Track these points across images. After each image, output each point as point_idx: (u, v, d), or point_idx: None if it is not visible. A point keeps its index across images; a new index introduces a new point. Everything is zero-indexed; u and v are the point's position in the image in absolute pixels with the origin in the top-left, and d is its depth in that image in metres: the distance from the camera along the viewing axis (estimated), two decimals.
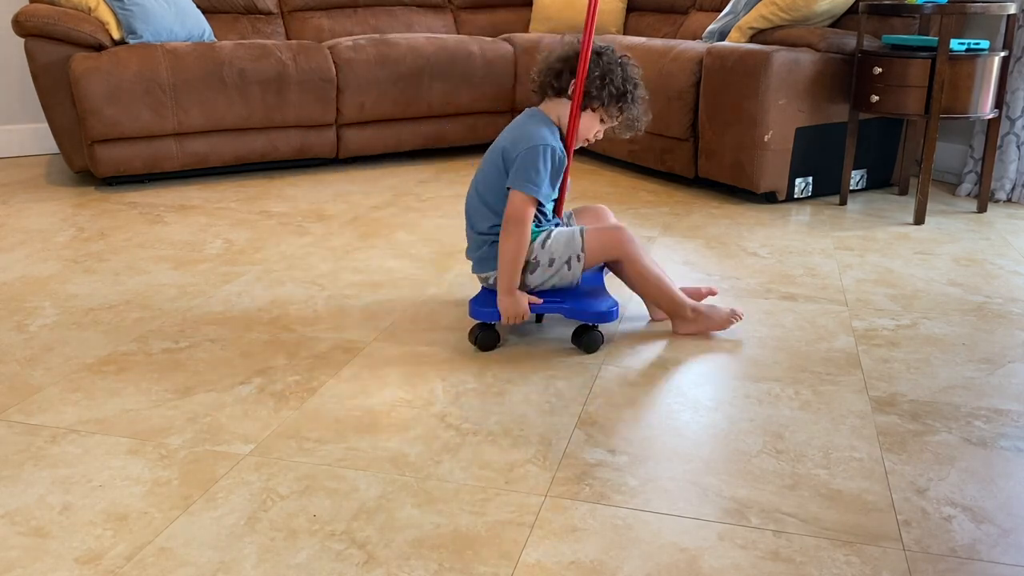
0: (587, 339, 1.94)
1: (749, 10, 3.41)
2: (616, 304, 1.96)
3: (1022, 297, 2.30)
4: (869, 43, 3.10)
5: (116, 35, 3.40)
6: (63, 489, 1.40)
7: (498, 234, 1.94)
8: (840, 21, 3.36)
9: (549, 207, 2.02)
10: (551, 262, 1.95)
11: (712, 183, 3.43)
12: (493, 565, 1.22)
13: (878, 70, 2.94)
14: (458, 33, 4.45)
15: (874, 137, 3.32)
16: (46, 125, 3.96)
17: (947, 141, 3.59)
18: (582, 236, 1.96)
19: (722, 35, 3.55)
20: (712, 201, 3.26)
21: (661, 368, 1.86)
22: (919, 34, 3.27)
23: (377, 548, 1.26)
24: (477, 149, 4.17)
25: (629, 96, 1.96)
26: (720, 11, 3.83)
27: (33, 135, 4.16)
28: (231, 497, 1.38)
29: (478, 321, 1.96)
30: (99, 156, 3.30)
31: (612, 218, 2.15)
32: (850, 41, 3.11)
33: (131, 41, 3.40)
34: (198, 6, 3.79)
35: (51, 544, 1.26)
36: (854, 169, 3.30)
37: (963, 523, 1.33)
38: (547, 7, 4.38)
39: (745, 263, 2.54)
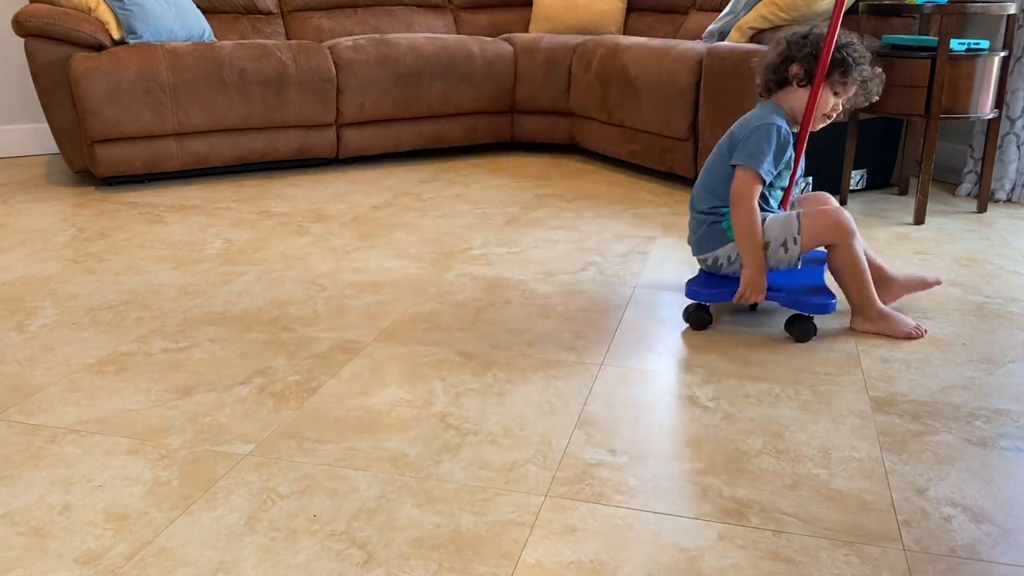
0: (799, 328, 2.00)
1: (749, 10, 3.41)
2: (833, 297, 2.00)
3: (1022, 297, 2.30)
4: (869, 43, 3.10)
5: (116, 35, 3.40)
6: (63, 489, 1.40)
7: (715, 214, 2.08)
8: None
9: (775, 197, 2.10)
10: (766, 245, 2.02)
11: None
12: (493, 565, 1.22)
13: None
14: (458, 33, 4.45)
15: (874, 137, 3.32)
16: (46, 125, 3.96)
17: (947, 141, 3.59)
18: (798, 219, 2.02)
19: (722, 35, 3.55)
20: None
21: (661, 368, 1.86)
22: (919, 34, 3.27)
23: (377, 548, 1.26)
24: (477, 149, 4.18)
25: (849, 60, 2.01)
26: (720, 11, 3.82)
27: (33, 135, 4.16)
28: (231, 497, 1.38)
29: (693, 302, 2.07)
30: (99, 156, 3.30)
31: (833, 202, 2.16)
32: None
33: (131, 41, 3.40)
34: (198, 6, 3.79)
35: (51, 544, 1.26)
36: (854, 169, 3.30)
37: (963, 523, 1.33)
38: (547, 7, 4.38)
39: None
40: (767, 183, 2.03)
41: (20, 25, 3.24)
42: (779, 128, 2.00)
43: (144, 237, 2.78)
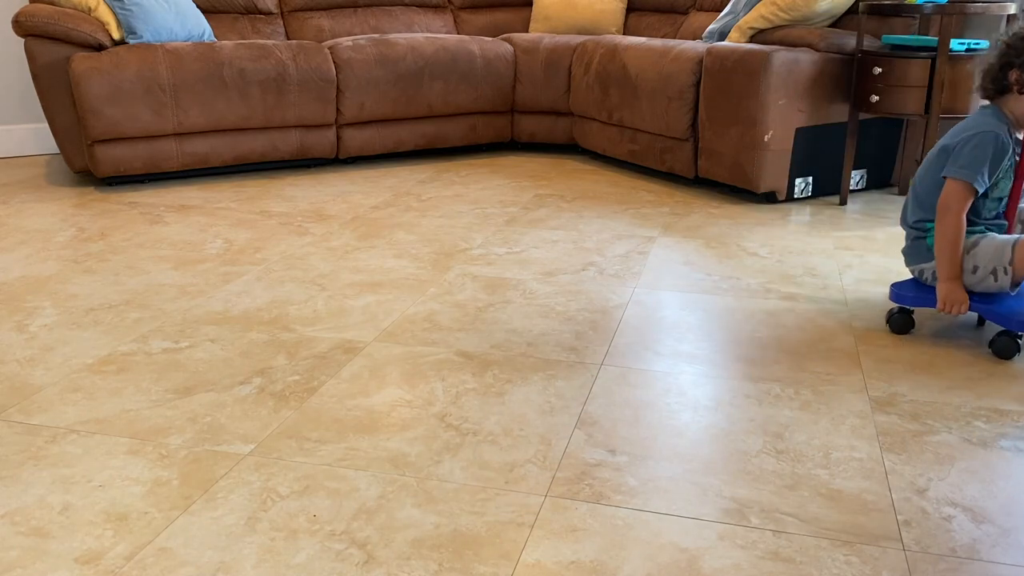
0: (1002, 344, 1.91)
1: (749, 10, 3.41)
2: None
3: None
4: (869, 43, 3.10)
5: (116, 35, 3.39)
6: (63, 489, 1.40)
7: (920, 229, 2.02)
8: (840, 21, 3.36)
9: (988, 209, 1.98)
10: (975, 269, 1.93)
11: (712, 183, 3.43)
12: (493, 565, 1.22)
13: (878, 70, 2.95)
14: (458, 33, 4.45)
15: (874, 137, 3.32)
16: (46, 125, 3.96)
17: None
18: (1013, 249, 1.89)
19: (722, 35, 3.55)
20: (712, 201, 3.26)
21: (661, 368, 1.86)
22: (919, 34, 3.27)
23: (377, 548, 1.26)
24: (477, 149, 4.18)
25: None
26: (720, 11, 3.83)
27: (33, 135, 4.16)
28: (231, 497, 1.38)
29: (898, 305, 2.06)
30: (99, 156, 3.30)
31: None
32: (850, 41, 3.11)
33: (131, 41, 3.40)
34: (198, 6, 3.79)
35: (51, 544, 1.26)
36: (854, 169, 3.30)
37: (963, 523, 1.33)
38: (547, 7, 4.38)
39: (745, 263, 2.55)
40: (979, 193, 1.92)
41: (20, 25, 3.24)
42: (995, 136, 1.88)
43: (144, 237, 2.78)
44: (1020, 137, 1.94)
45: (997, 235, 1.97)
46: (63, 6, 3.35)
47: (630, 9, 4.41)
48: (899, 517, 1.34)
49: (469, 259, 2.57)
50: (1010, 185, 1.97)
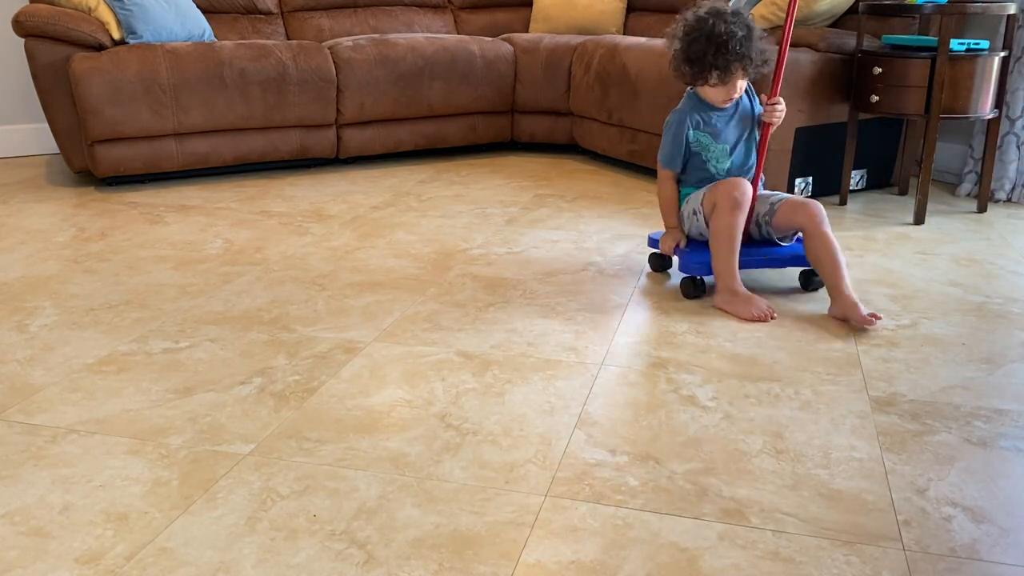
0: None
1: (749, 10, 3.40)
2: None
3: (1022, 297, 2.30)
4: (869, 43, 3.10)
5: (116, 35, 3.40)
6: (63, 489, 1.40)
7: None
8: (840, 21, 3.36)
9: (717, 168, 2.30)
10: (691, 213, 2.32)
11: None
12: (493, 565, 1.22)
13: (878, 70, 2.95)
14: (458, 33, 4.45)
15: (874, 137, 3.32)
16: (46, 125, 3.96)
17: (947, 141, 3.59)
18: (703, 194, 2.27)
19: None
20: None
21: (661, 368, 1.86)
22: (919, 34, 3.27)
23: (377, 548, 1.26)
24: (477, 149, 4.18)
25: (708, 59, 2.16)
26: None
27: (33, 135, 4.16)
28: (231, 497, 1.38)
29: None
30: (99, 156, 3.30)
31: (793, 197, 2.32)
32: (850, 41, 3.11)
33: (131, 41, 3.40)
34: (198, 6, 3.79)
35: (51, 544, 1.26)
36: (854, 169, 3.30)
37: (963, 523, 1.33)
38: (547, 7, 4.38)
39: None
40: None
41: (20, 25, 3.24)
42: (673, 120, 2.31)
43: (144, 237, 2.78)
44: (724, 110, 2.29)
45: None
46: (63, 6, 3.35)
47: (630, 9, 4.41)
48: (899, 517, 1.34)
49: (469, 259, 2.57)
50: (727, 151, 2.30)
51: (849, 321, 2.08)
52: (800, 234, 2.27)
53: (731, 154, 2.30)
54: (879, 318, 2.07)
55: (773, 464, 1.49)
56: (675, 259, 2.41)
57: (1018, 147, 3.24)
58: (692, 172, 2.34)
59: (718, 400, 1.71)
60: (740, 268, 2.21)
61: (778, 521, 1.33)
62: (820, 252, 2.17)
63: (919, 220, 2.97)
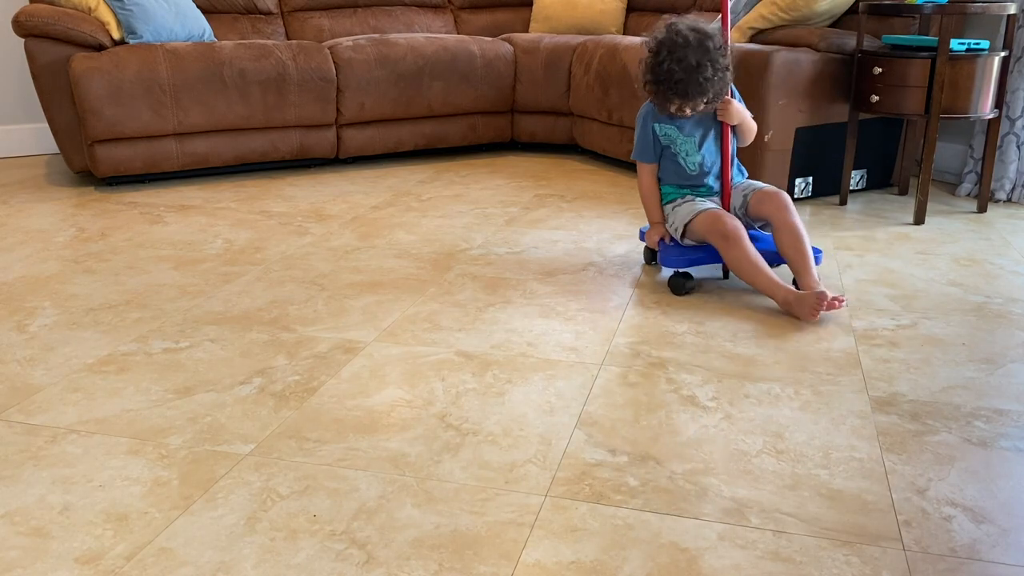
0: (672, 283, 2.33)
1: (749, 10, 3.41)
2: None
3: (1022, 297, 2.30)
4: (869, 43, 3.10)
5: (116, 35, 3.40)
6: (63, 489, 1.40)
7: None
8: (840, 21, 3.36)
9: (687, 162, 2.34)
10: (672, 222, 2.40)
11: None
12: (493, 565, 1.22)
13: (878, 70, 2.94)
14: (458, 33, 4.45)
15: (874, 137, 3.31)
16: (46, 125, 3.96)
17: (947, 141, 3.59)
18: (695, 216, 2.33)
19: None
20: None
21: (661, 368, 1.86)
22: (919, 34, 3.27)
23: (377, 548, 1.26)
24: (477, 149, 4.18)
25: (649, 87, 2.24)
26: (720, 11, 3.82)
27: (33, 135, 4.16)
28: (231, 497, 1.38)
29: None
30: (99, 156, 3.30)
31: (769, 187, 2.36)
32: (850, 41, 3.11)
33: (131, 41, 3.40)
34: (198, 6, 3.79)
35: (51, 544, 1.26)
36: (854, 169, 3.30)
37: (963, 523, 1.33)
38: (547, 7, 4.38)
39: None
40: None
41: (20, 25, 3.24)
42: (641, 116, 2.38)
43: (144, 237, 2.78)
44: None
45: (697, 201, 2.36)
46: (63, 6, 3.35)
47: (630, 9, 4.41)
48: (899, 517, 1.34)
49: (469, 259, 2.57)
50: (695, 144, 2.33)
51: (804, 315, 2.09)
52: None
53: (700, 147, 2.33)
54: (842, 301, 2.10)
55: (773, 464, 1.49)
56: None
57: (1018, 147, 3.24)
58: (666, 167, 2.39)
59: (718, 400, 1.71)
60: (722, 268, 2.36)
61: (778, 521, 1.33)
62: (785, 242, 2.22)
63: (919, 220, 2.97)
